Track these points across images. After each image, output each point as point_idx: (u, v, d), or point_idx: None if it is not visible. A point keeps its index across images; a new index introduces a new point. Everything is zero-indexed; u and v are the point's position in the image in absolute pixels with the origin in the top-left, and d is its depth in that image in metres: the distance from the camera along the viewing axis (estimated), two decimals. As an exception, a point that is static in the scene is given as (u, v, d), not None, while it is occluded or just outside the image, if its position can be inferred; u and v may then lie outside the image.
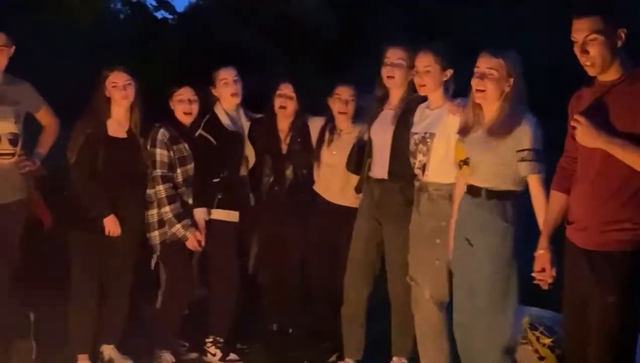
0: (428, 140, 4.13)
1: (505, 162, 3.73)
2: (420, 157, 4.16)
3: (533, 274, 3.49)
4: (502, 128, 3.72)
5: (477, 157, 3.80)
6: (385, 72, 4.41)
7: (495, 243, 3.75)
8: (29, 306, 4.73)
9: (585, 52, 3.19)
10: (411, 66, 4.32)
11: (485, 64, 3.74)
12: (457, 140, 3.93)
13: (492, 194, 3.78)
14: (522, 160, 3.70)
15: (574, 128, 3.23)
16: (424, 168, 4.15)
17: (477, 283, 3.80)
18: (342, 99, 4.76)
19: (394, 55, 4.38)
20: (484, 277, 3.77)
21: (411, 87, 4.37)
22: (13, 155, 4.48)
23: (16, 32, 4.52)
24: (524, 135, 3.69)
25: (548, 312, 4.25)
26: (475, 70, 3.78)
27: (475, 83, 3.77)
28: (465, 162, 3.85)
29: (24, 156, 4.53)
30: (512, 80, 3.72)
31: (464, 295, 3.88)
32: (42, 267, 5.20)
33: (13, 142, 4.46)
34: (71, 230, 4.58)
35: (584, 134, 3.20)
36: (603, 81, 3.23)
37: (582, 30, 3.18)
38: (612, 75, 3.21)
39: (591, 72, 3.22)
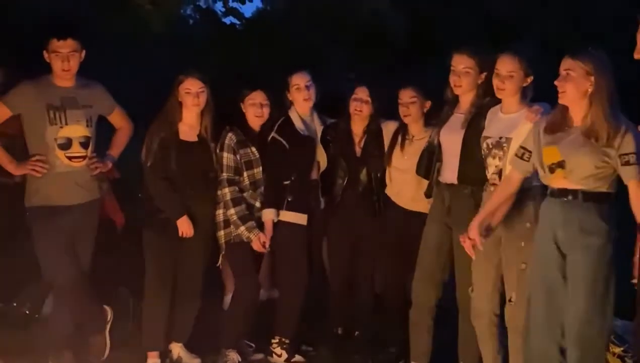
0: (504, 144, 4.05)
1: (606, 164, 3.62)
2: (495, 161, 4.08)
3: (634, 281, 3.35)
4: (602, 130, 3.60)
5: (574, 159, 3.67)
6: (452, 80, 4.37)
7: (597, 245, 3.62)
8: (105, 303, 4.82)
9: None
10: (480, 71, 4.30)
11: (564, 65, 3.68)
12: (545, 144, 3.78)
13: (589, 196, 3.66)
14: (627, 163, 3.58)
15: None
16: (500, 173, 4.07)
17: (576, 288, 3.66)
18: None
19: (460, 63, 4.33)
20: (584, 281, 3.63)
21: (482, 90, 4.33)
22: (84, 157, 4.55)
23: (88, 37, 4.58)
24: (628, 137, 3.59)
25: (618, 320, 4.16)
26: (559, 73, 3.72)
27: (556, 84, 3.71)
28: (560, 165, 3.71)
29: (95, 158, 4.62)
30: (592, 78, 3.62)
31: (547, 298, 3.76)
32: (117, 265, 5.34)
33: (84, 145, 4.53)
34: (145, 231, 4.69)
35: None
36: None
37: None
38: None
39: None
